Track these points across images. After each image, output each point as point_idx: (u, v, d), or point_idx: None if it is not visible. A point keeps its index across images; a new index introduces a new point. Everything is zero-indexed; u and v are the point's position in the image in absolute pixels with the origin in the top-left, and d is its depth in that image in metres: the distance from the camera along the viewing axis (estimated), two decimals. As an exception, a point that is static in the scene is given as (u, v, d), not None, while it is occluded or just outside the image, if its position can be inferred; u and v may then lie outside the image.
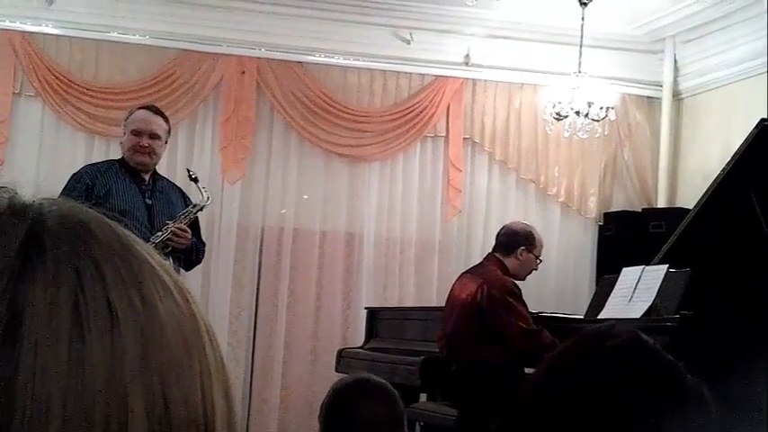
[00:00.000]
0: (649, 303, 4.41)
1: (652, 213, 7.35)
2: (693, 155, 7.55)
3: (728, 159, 4.74)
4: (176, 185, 4.82)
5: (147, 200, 4.50)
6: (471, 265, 5.62)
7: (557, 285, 7.51)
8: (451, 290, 5.23)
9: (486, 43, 7.59)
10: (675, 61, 7.68)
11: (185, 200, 4.72)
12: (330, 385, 2.78)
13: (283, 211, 7.38)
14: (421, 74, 7.64)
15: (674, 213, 6.65)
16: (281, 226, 7.40)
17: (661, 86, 7.76)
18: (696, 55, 7.48)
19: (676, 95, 7.74)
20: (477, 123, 7.66)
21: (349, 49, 7.50)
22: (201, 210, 4.60)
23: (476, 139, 7.66)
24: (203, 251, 4.71)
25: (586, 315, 5.06)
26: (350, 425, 2.61)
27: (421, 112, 7.59)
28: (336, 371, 6.20)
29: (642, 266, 4.65)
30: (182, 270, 4.51)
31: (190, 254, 4.55)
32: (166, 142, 4.67)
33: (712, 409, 1.34)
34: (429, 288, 7.48)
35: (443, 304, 5.32)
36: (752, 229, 4.45)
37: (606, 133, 7.31)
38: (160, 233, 4.35)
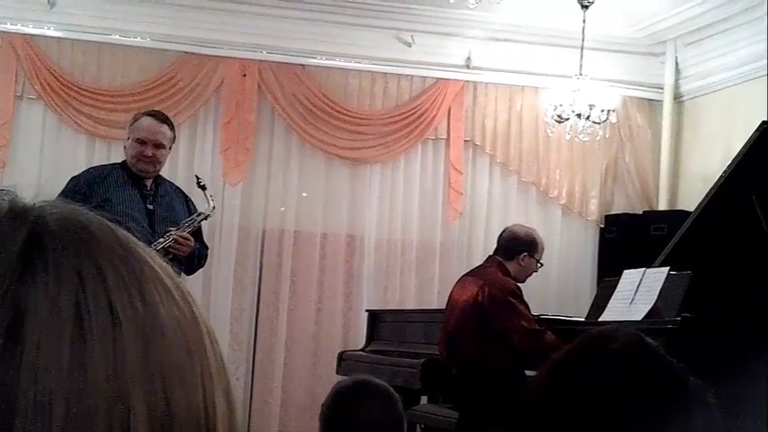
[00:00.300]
0: (650, 306, 4.40)
1: (653, 216, 7.34)
2: (694, 157, 7.54)
3: (729, 162, 4.75)
4: (180, 189, 4.77)
5: (148, 205, 4.46)
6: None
7: (558, 288, 7.50)
8: (452, 292, 5.20)
9: (487, 46, 7.59)
10: (677, 64, 7.68)
11: (188, 205, 4.68)
12: (331, 387, 2.78)
13: (282, 208, 7.38)
14: (422, 76, 7.64)
15: (675, 216, 6.64)
16: (282, 228, 7.40)
17: (662, 89, 7.76)
18: (697, 58, 7.48)
19: (677, 98, 7.74)
20: (479, 126, 7.66)
21: (350, 52, 7.50)
22: (206, 219, 4.57)
23: (477, 141, 7.66)
24: (206, 256, 4.68)
25: (587, 317, 5.06)
26: (350, 427, 2.61)
27: (422, 114, 7.58)
28: (337, 373, 6.20)
29: (643, 269, 4.64)
30: (183, 274, 4.49)
31: (192, 259, 4.52)
32: (170, 148, 4.65)
33: (715, 411, 1.34)
34: (430, 290, 7.48)
35: (444, 307, 5.31)
36: (753, 232, 4.45)
37: (607, 136, 7.31)
38: (162, 240, 4.32)
